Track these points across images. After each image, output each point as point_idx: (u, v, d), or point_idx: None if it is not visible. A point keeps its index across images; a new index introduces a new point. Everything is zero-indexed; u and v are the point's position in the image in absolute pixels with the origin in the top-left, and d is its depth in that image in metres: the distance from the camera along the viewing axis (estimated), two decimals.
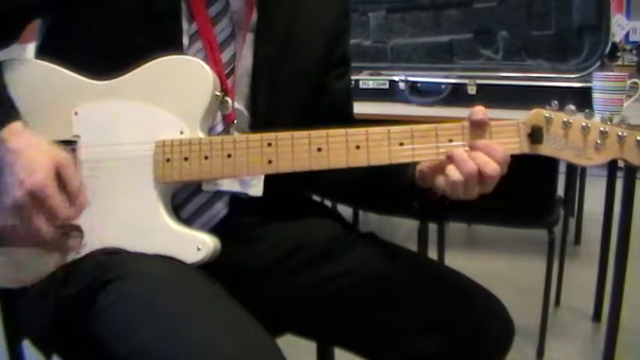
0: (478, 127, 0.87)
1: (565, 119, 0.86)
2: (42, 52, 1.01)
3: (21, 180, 0.83)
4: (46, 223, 0.85)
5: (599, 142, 0.85)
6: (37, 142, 0.87)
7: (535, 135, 0.86)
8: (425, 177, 0.92)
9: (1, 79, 0.93)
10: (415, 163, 0.93)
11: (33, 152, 0.85)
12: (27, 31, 1.03)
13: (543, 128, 0.86)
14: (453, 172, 0.84)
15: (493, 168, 0.84)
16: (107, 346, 0.83)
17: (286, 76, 1.05)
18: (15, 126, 0.87)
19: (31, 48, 1.04)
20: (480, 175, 0.84)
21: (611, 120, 0.86)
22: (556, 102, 0.87)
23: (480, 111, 0.87)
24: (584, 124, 0.85)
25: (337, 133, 0.88)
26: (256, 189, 0.99)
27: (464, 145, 0.87)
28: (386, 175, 0.95)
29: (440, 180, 0.87)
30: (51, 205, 0.84)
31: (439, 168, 0.88)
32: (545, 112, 0.86)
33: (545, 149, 0.87)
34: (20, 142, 0.86)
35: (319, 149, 0.88)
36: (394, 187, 0.97)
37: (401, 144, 0.88)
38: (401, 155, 0.88)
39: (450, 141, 0.87)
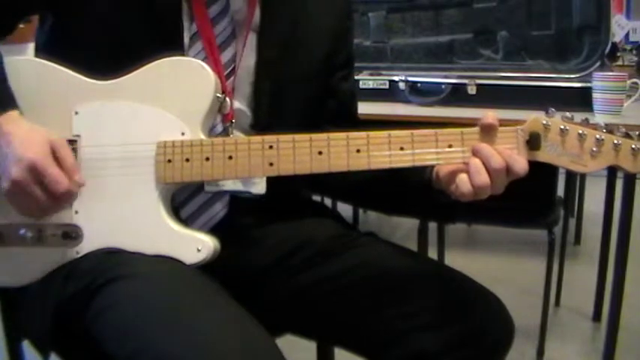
0: (486, 132, 0.88)
1: (562, 126, 0.87)
2: (41, 52, 1.01)
3: (18, 156, 0.84)
4: (45, 195, 0.85)
5: (595, 149, 0.86)
6: (32, 126, 0.89)
7: (533, 142, 0.87)
8: (441, 181, 0.93)
9: (3, 70, 0.93)
10: (432, 166, 0.94)
11: (28, 132, 0.87)
12: (27, 31, 1.03)
13: (541, 135, 0.87)
14: (464, 182, 0.86)
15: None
16: (106, 346, 0.82)
17: (289, 77, 1.05)
18: (12, 114, 0.89)
19: (31, 48, 1.04)
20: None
21: (607, 126, 0.87)
22: (553, 109, 0.88)
23: (490, 116, 0.88)
24: (580, 131, 0.87)
25: (338, 137, 0.89)
26: (259, 187, 0.99)
27: (462, 151, 0.88)
28: (400, 177, 0.95)
29: (452, 188, 0.89)
30: (50, 176, 0.84)
31: (455, 173, 0.89)
32: (543, 119, 0.88)
33: (543, 156, 0.88)
34: (15, 126, 0.87)
35: (320, 152, 0.89)
36: (407, 188, 0.98)
37: (401, 148, 0.88)
38: (401, 160, 0.88)
39: (450, 146, 0.88)
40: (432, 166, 0.95)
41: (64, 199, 0.87)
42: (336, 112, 1.13)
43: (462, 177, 0.86)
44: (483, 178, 0.85)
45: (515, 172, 0.86)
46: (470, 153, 0.87)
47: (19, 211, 0.88)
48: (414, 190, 0.98)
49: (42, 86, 0.94)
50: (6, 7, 0.98)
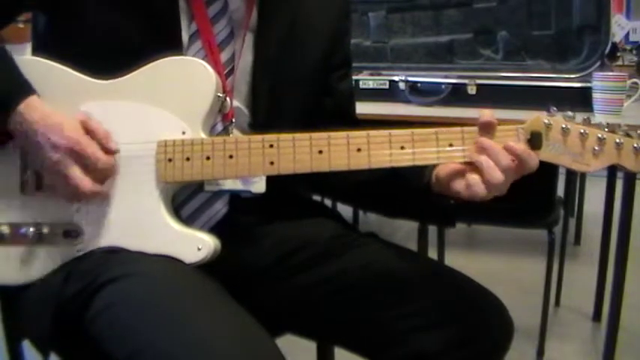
0: (485, 131, 0.88)
1: (564, 125, 0.87)
2: (38, 52, 1.00)
3: (53, 143, 0.86)
4: (84, 175, 0.87)
5: (596, 148, 0.86)
6: (54, 110, 0.90)
7: (534, 140, 0.87)
8: (441, 182, 0.92)
9: (12, 61, 0.93)
10: (432, 169, 0.94)
11: (54, 117, 0.88)
12: (27, 31, 1.03)
13: (542, 134, 0.87)
14: (475, 180, 0.86)
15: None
16: (106, 346, 0.82)
17: (287, 77, 1.05)
18: (32, 99, 0.89)
19: (30, 48, 1.04)
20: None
21: (608, 125, 0.87)
22: (555, 108, 0.88)
23: (487, 113, 0.88)
24: (582, 130, 0.86)
25: (338, 136, 0.89)
26: (259, 185, 0.99)
27: (463, 150, 0.88)
28: (399, 179, 0.95)
29: (459, 184, 0.89)
30: (89, 155, 0.87)
31: (457, 173, 0.89)
32: (545, 118, 0.87)
33: (544, 155, 0.88)
34: (38, 113, 0.88)
35: (320, 151, 0.89)
36: (407, 190, 0.98)
37: (402, 147, 0.88)
38: (402, 159, 0.88)
39: (450, 145, 0.88)
40: (431, 170, 0.95)
41: (105, 173, 0.89)
42: (334, 112, 1.13)
43: (474, 177, 0.86)
44: (498, 174, 0.85)
45: (529, 168, 0.86)
46: (471, 152, 0.87)
47: (62, 195, 0.90)
48: (413, 194, 0.98)
49: (45, 86, 0.94)
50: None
